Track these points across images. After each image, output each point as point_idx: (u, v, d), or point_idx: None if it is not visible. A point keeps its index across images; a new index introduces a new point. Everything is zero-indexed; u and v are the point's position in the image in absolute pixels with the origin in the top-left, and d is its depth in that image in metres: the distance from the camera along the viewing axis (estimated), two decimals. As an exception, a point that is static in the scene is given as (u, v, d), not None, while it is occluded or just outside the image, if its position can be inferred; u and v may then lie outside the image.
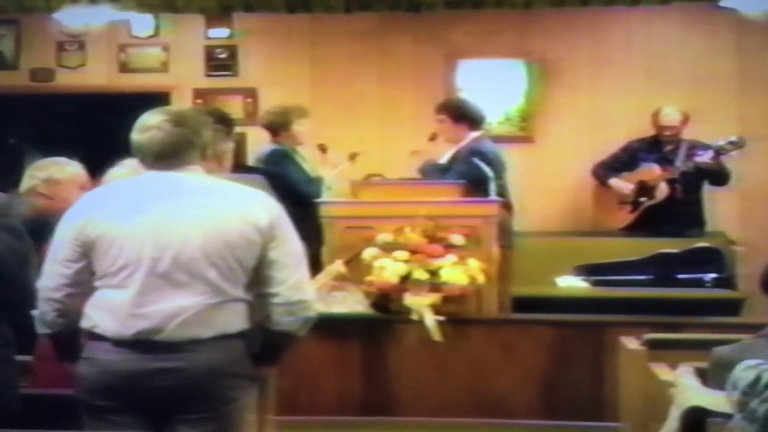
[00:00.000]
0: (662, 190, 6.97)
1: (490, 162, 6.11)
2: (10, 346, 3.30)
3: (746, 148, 6.92)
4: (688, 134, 7.13)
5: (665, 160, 7.04)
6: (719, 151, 6.79)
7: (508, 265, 6.16)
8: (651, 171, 7.04)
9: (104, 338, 3.02)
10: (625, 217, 7.14)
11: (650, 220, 7.03)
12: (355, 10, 7.16)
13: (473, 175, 5.97)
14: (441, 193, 6.04)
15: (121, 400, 3.00)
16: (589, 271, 6.65)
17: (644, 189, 7.05)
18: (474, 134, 6.45)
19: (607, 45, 7.72)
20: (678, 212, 6.99)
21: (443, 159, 6.45)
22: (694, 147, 6.95)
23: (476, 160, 6.06)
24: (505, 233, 6.14)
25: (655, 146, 7.17)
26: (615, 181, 7.18)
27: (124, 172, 3.66)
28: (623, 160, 7.22)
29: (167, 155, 3.10)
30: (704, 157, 6.81)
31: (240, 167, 6.27)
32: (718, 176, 6.98)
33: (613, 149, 7.33)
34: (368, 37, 7.72)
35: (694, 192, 7.08)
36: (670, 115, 7.12)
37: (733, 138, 6.80)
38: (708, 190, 7.14)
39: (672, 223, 6.98)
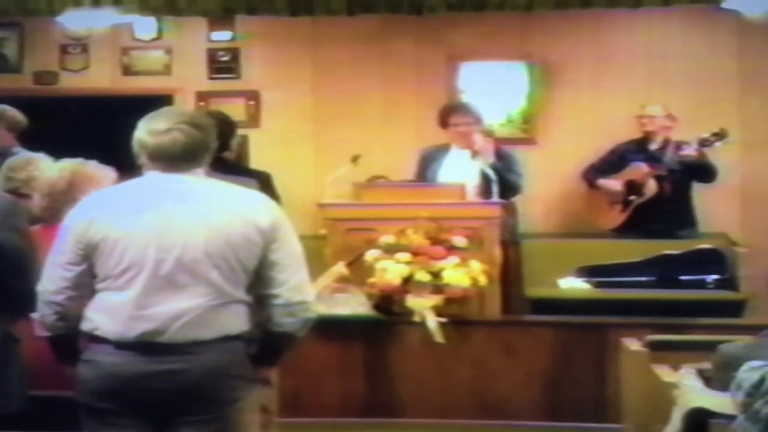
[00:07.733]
0: (651, 187, 6.91)
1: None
2: (15, 345, 3.30)
3: (748, 149, 6.90)
4: (689, 134, 7.09)
5: (653, 160, 7.01)
6: (703, 143, 6.74)
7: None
8: (639, 169, 7.00)
9: (106, 341, 3.02)
10: (615, 217, 7.12)
11: (640, 220, 6.99)
12: (357, 13, 7.14)
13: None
14: (443, 194, 6.05)
15: (123, 402, 3.00)
16: (591, 272, 6.64)
17: (633, 187, 7.02)
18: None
19: (608, 47, 7.71)
20: (667, 211, 6.94)
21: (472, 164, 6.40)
22: (681, 146, 6.91)
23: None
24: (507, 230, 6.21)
25: (642, 147, 7.14)
26: (603, 181, 7.17)
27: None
28: (612, 162, 7.20)
29: (185, 158, 3.09)
30: (688, 150, 6.78)
31: (230, 168, 6.27)
32: (704, 171, 6.90)
33: (611, 152, 7.33)
34: (370, 40, 7.71)
35: (682, 191, 7.04)
36: (652, 109, 7.12)
37: (715, 129, 6.74)
38: (710, 188, 7.06)
39: (662, 222, 6.95)
